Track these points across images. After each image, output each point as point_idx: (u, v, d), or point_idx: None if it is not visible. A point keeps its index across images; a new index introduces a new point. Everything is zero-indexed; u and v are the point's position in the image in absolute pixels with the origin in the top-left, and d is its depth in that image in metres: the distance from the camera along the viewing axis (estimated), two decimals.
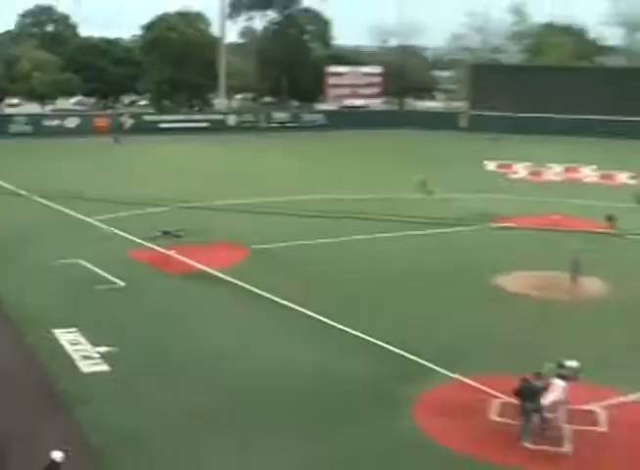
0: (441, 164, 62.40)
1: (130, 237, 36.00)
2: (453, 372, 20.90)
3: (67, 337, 23.28)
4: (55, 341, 23.03)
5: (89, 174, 55.79)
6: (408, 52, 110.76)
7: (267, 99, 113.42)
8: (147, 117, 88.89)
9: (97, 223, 38.92)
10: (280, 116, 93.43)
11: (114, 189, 48.17)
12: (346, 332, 24.09)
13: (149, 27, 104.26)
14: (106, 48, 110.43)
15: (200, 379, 20.78)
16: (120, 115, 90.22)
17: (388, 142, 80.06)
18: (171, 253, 33.13)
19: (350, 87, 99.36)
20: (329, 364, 21.68)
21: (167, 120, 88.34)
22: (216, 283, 29.34)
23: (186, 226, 37.53)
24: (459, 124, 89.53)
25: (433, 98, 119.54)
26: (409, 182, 48.53)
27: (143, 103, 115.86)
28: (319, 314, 25.50)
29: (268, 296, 27.46)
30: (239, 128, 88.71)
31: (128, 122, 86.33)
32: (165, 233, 35.73)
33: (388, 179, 54.18)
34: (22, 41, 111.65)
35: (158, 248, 34.11)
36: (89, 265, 30.89)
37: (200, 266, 31.29)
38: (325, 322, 24.95)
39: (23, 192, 47.19)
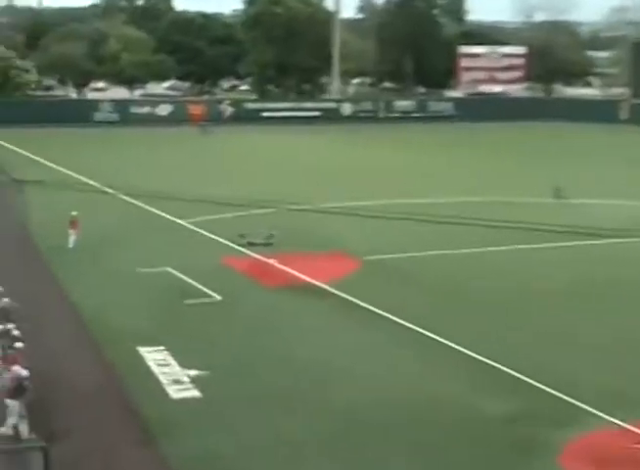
0: (596, 163, 60.95)
1: (226, 242, 36.66)
2: (613, 416, 20.30)
3: (154, 356, 23.84)
4: (141, 361, 23.65)
5: (182, 169, 57.13)
6: (557, 29, 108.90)
7: (388, 84, 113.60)
8: (249, 105, 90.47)
9: (190, 226, 39.80)
10: (402, 104, 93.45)
11: (210, 187, 49.11)
12: (472, 357, 23.83)
13: (251, 1, 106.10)
14: (203, 24, 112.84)
15: (300, 404, 20.94)
16: (219, 101, 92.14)
17: (529, 136, 78.84)
18: (272, 261, 33.56)
19: (487, 71, 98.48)
20: (449, 393, 21.48)
21: (272, 109, 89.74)
22: (322, 297, 29.53)
23: (290, 231, 37.92)
24: (619, 116, 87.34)
25: (587, 84, 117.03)
26: (554, 185, 47.70)
27: (244, 88, 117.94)
28: (439, 335, 25.39)
29: (380, 312, 27.55)
30: (355, 118, 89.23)
31: (228, 110, 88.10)
32: (251, 244, 36.00)
33: (529, 181, 53.36)
34: (109, 16, 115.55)
35: (257, 256, 34.60)
36: (179, 274, 31.61)
37: (304, 278, 31.58)
38: (446, 344, 24.84)
39: (109, 189, 48.65)
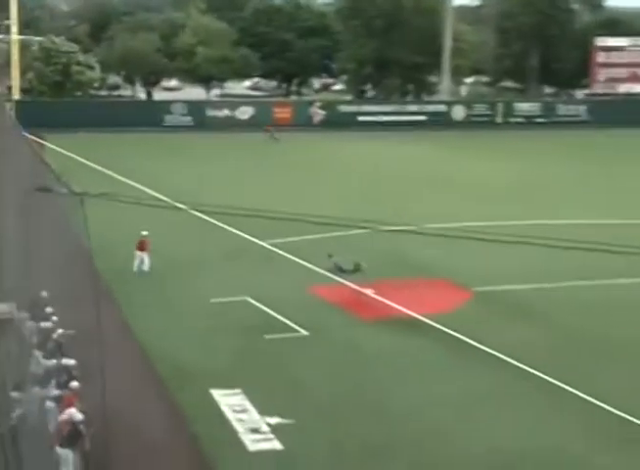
0: None
1: (313, 268, 36.91)
2: None
3: (229, 401, 24.13)
4: (214, 405, 23.95)
5: (263, 181, 57.70)
6: None
7: (508, 84, 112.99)
8: (343, 108, 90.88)
9: (272, 248, 40.18)
10: (525, 107, 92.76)
11: (295, 202, 49.36)
12: (610, 413, 23.54)
13: None
14: (292, 13, 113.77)
15: (396, 463, 20.91)
16: (310, 103, 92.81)
17: None
18: (368, 291, 33.67)
19: (629, 67, 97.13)
20: (584, 458, 21.24)
21: (370, 112, 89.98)
22: (426, 334, 29.57)
23: (388, 256, 38.00)
24: None
25: None
26: None
27: (338, 88, 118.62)
28: (568, 384, 25.18)
29: (496, 354, 27.47)
30: (468, 124, 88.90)
31: (319, 114, 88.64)
32: (342, 271, 36.08)
33: None
34: (184, 5, 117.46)
35: (349, 283, 34.73)
36: (259, 305, 31.95)
37: (404, 311, 31.63)
38: (576, 395, 24.62)
39: (180, 205, 49.30)
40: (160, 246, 38.34)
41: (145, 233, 37.10)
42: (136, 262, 36.46)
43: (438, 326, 30.02)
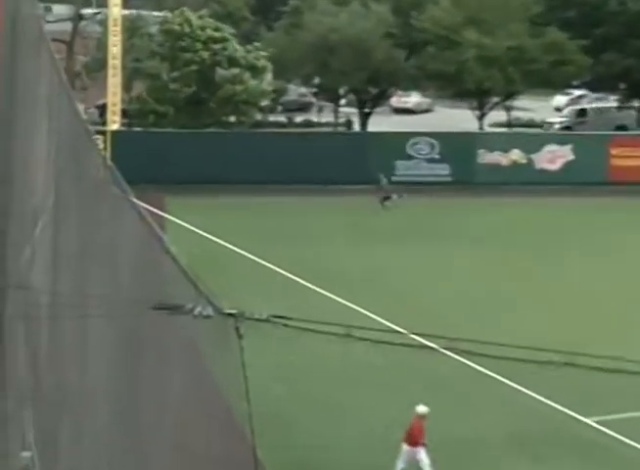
0: None
1: None
2: None
3: None
4: None
5: (581, 294, 58.35)
6: None
7: None
8: None
9: (603, 429, 40.32)
10: None
11: None
12: None
13: None
14: None
15: None
16: None
17: None
18: None
19: None
20: None
21: None
22: None
23: None
24: None
25: None
26: None
27: None
28: None
29: None
30: None
31: None
32: None
33: None
34: None
35: None
36: None
37: None
38: None
39: (426, 340, 49.48)
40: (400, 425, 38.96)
41: (423, 410, 37.16)
42: (399, 464, 36.42)
43: None
